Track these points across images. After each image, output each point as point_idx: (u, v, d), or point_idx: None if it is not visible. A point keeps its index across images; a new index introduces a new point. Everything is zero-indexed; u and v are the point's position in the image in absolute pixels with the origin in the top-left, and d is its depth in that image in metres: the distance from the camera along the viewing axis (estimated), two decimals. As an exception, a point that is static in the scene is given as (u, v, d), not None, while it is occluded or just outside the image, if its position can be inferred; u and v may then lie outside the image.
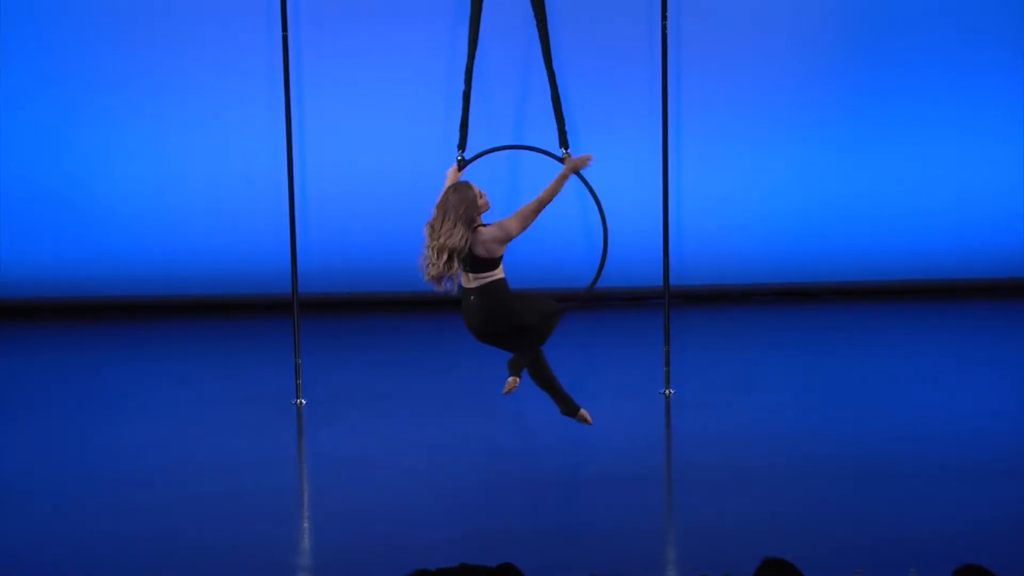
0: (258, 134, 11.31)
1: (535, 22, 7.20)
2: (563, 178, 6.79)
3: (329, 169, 11.49)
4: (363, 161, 11.53)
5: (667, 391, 8.92)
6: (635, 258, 11.48)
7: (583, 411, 6.95)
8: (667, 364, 8.94)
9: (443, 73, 11.27)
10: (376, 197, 11.59)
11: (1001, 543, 6.44)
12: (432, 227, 6.51)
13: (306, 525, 6.95)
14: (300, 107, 11.03)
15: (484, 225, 6.55)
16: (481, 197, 6.58)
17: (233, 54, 11.36)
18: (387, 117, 11.46)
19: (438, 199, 6.59)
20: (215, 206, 11.54)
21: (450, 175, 6.95)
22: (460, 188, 6.56)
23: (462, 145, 7.06)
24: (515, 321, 6.61)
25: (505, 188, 10.64)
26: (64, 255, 11.61)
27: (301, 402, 8.87)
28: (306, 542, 6.75)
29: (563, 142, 7.10)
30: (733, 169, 11.70)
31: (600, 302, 11.87)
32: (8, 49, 11.36)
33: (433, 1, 11.37)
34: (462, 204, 6.49)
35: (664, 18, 8.84)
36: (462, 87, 7.14)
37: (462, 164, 6.99)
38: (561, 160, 7.04)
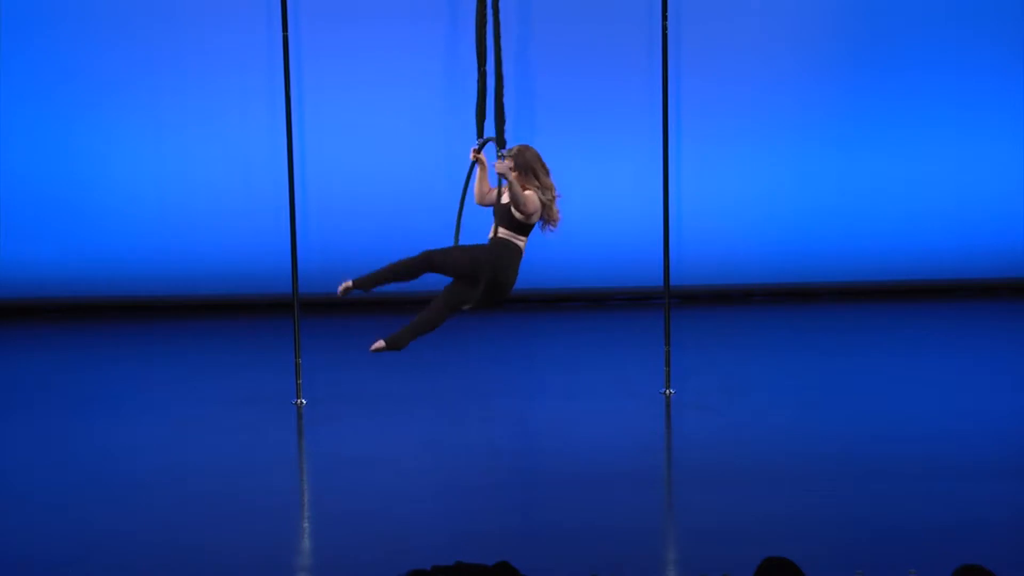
0: (258, 134, 11.31)
1: (491, 20, 7.24)
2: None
3: (329, 169, 11.50)
4: (363, 161, 11.53)
5: (667, 391, 8.92)
6: (635, 258, 11.50)
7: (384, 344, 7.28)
8: (667, 364, 8.94)
9: (444, 73, 11.27)
10: (376, 197, 11.59)
11: (1001, 543, 6.44)
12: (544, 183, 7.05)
13: (306, 525, 6.95)
14: (300, 107, 11.03)
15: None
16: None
17: (233, 54, 11.37)
18: (387, 117, 11.47)
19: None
20: (215, 206, 11.54)
21: (479, 158, 7.22)
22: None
23: (480, 132, 7.27)
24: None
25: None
26: (64, 255, 11.61)
27: (301, 402, 8.87)
28: (306, 542, 6.75)
29: (501, 141, 7.20)
30: (733, 169, 11.70)
31: (600, 302, 11.88)
32: (8, 49, 11.36)
33: (433, 2, 11.37)
34: None
35: (664, 19, 8.83)
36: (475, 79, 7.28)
37: (476, 150, 7.20)
38: (499, 156, 7.17)
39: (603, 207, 11.56)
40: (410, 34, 11.41)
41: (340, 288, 7.26)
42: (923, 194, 11.82)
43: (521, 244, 7.13)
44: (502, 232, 7.11)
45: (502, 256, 7.06)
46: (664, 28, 8.84)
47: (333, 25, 11.38)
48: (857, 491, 7.16)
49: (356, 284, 7.22)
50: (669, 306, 9.08)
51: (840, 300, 11.87)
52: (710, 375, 9.44)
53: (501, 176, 7.01)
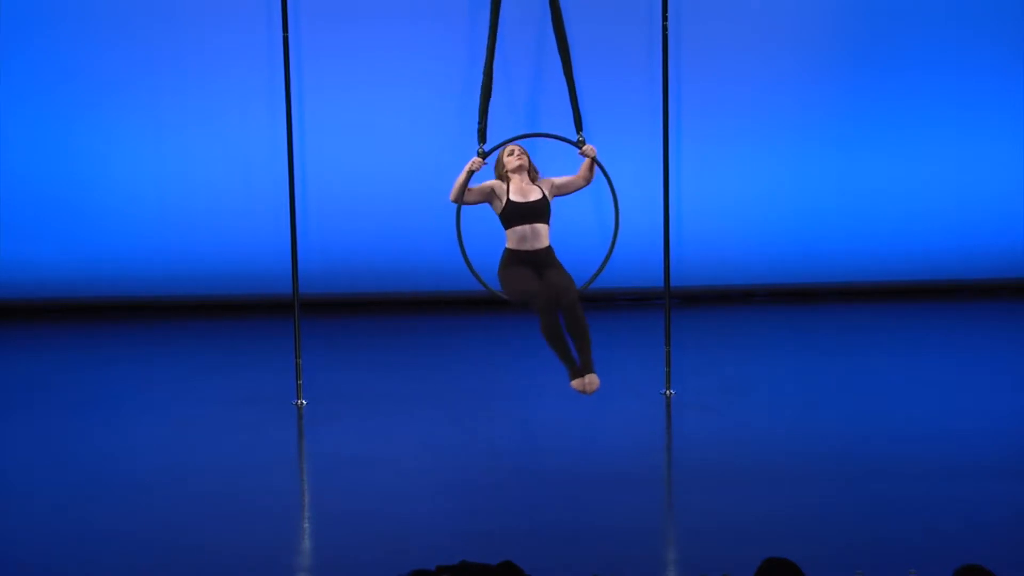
0: (258, 134, 11.32)
1: (550, 9, 7.24)
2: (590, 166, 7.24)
3: (329, 169, 11.50)
4: (363, 161, 11.53)
5: (667, 391, 8.92)
6: (636, 259, 11.48)
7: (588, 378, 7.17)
8: (668, 364, 8.94)
9: (443, 73, 11.28)
10: (376, 197, 11.60)
11: (1001, 543, 6.44)
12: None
13: (306, 525, 6.95)
14: (300, 107, 11.03)
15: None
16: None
17: (233, 54, 11.37)
18: (387, 117, 11.47)
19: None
20: (215, 206, 11.55)
21: (473, 166, 7.13)
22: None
23: (482, 137, 7.13)
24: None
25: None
26: (64, 255, 11.61)
27: (301, 402, 8.87)
28: (306, 542, 6.75)
29: (578, 126, 7.21)
30: (733, 170, 11.70)
31: (601, 302, 11.87)
32: (8, 49, 11.36)
33: (433, 2, 11.37)
34: None
35: (664, 19, 8.84)
36: (480, 80, 7.21)
37: (483, 156, 7.12)
38: (576, 144, 7.16)
39: (603, 207, 11.54)
40: (410, 34, 11.41)
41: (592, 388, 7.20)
42: (923, 194, 11.82)
43: None
44: (544, 230, 7.26)
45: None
46: (664, 28, 8.84)
47: (333, 25, 11.38)
48: (857, 491, 7.16)
49: (591, 374, 7.20)
50: (669, 306, 9.09)
51: (840, 300, 11.87)
52: (710, 375, 9.45)
53: (594, 159, 7.21)
